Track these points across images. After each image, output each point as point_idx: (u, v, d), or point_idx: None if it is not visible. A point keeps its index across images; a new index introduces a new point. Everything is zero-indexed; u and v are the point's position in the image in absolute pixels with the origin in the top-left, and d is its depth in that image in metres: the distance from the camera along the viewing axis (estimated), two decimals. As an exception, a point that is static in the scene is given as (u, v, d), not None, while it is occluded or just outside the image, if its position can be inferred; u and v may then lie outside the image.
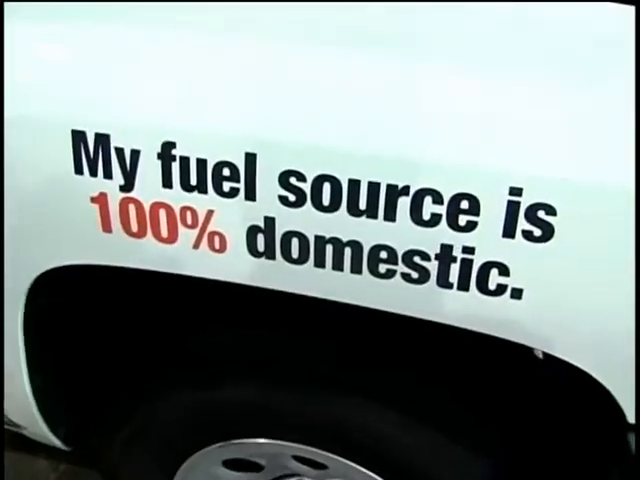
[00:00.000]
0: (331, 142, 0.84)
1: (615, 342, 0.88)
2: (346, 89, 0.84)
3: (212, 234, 0.91)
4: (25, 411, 1.25)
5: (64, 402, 1.30)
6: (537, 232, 0.82)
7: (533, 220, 0.81)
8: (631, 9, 0.83)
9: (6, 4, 0.91)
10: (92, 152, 0.90)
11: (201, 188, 0.88)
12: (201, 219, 0.91)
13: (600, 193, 0.80)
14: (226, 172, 0.87)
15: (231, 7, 0.89)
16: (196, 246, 0.93)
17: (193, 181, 0.88)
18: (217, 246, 0.92)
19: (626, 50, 0.81)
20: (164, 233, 0.93)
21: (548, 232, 0.82)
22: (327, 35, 0.87)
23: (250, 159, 0.85)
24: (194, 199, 0.89)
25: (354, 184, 0.83)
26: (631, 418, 0.92)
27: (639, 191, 0.78)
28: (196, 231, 0.92)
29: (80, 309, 1.19)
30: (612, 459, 1.05)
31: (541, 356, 1.03)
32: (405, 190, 0.83)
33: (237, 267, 0.93)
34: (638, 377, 0.86)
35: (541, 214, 0.81)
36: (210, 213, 0.90)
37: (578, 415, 1.09)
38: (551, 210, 0.81)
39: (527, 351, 0.97)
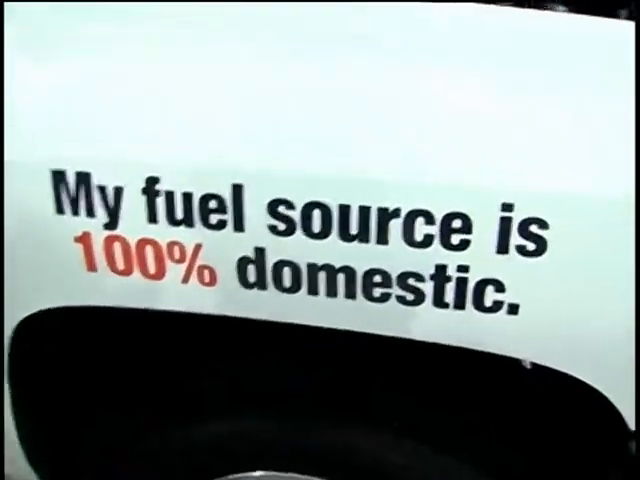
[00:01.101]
0: (319, 168, 0.83)
1: (613, 351, 0.88)
2: (330, 114, 0.84)
3: (201, 268, 0.90)
4: (11, 458, 1.21)
5: (51, 448, 1.26)
6: (530, 246, 0.82)
7: (526, 235, 0.81)
8: (631, 25, 0.84)
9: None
10: (73, 191, 0.88)
11: (188, 222, 0.87)
12: (189, 253, 0.89)
13: (591, 205, 0.81)
14: (213, 204, 0.86)
15: (210, 40, 0.88)
16: (185, 281, 0.91)
17: (179, 215, 0.87)
18: (207, 280, 0.90)
19: (616, 62, 0.81)
20: (152, 269, 0.91)
21: (541, 246, 0.82)
22: (306, 62, 0.86)
23: (237, 190, 0.84)
24: (181, 233, 0.88)
25: (344, 209, 0.83)
26: (632, 425, 0.92)
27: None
28: (185, 266, 0.90)
29: (68, 351, 1.16)
30: (610, 462, 1.05)
31: (529, 366, 1.03)
32: (396, 212, 0.82)
33: (229, 300, 0.91)
34: (638, 385, 0.86)
35: (533, 228, 0.81)
36: (198, 247, 0.89)
37: (576, 423, 1.09)
38: (543, 224, 0.81)
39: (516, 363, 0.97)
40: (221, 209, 0.86)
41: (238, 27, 0.88)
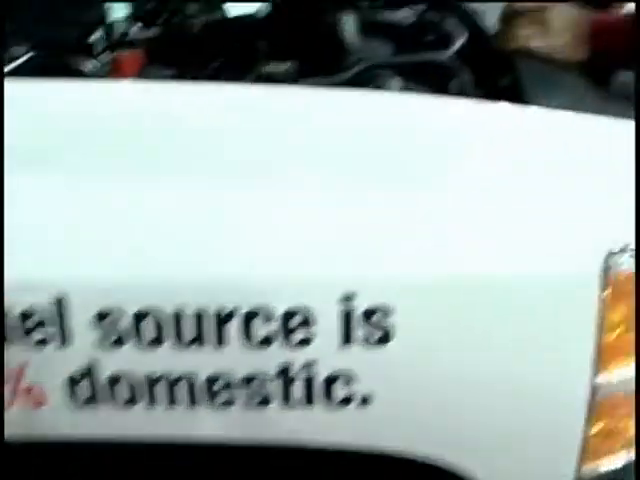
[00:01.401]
0: (147, 275, 0.78)
1: (470, 431, 0.86)
2: (153, 220, 0.80)
3: (27, 389, 0.82)
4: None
5: None
6: (376, 335, 0.79)
7: (369, 324, 0.79)
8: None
9: None
10: None
11: (8, 340, 0.79)
12: (12, 374, 0.81)
13: (433, 287, 0.79)
14: (34, 319, 0.79)
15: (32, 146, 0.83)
16: (10, 404, 0.83)
17: None
18: (35, 401, 0.83)
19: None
20: None
21: (387, 333, 0.79)
22: (138, 166, 0.84)
23: (59, 303, 0.78)
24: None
25: (177, 315, 0.78)
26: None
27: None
28: (8, 388, 0.82)
29: None
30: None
31: None
32: (232, 314, 0.78)
33: (60, 421, 0.84)
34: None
35: (377, 317, 0.79)
36: (22, 367, 0.81)
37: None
38: (387, 311, 0.78)
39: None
40: (44, 324, 0.79)
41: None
